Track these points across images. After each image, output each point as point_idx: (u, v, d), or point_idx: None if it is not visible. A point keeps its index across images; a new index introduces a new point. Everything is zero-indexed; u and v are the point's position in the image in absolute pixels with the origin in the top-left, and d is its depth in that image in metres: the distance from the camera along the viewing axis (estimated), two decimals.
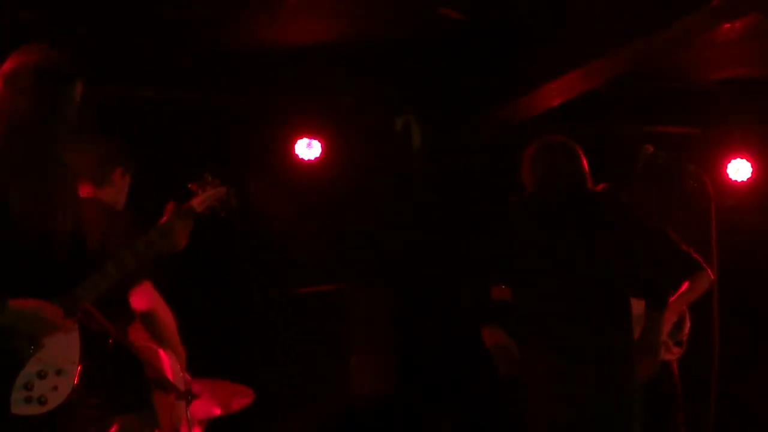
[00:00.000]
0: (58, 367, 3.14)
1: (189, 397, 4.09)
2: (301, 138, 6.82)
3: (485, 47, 6.03)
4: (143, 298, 4.16)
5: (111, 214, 4.17)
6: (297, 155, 6.83)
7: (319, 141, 6.83)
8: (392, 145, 6.93)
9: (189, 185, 3.61)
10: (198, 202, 3.58)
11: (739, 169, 7.36)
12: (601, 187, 4.87)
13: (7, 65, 3.25)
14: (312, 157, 6.84)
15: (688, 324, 5.83)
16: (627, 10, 5.08)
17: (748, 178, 7.37)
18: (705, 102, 6.99)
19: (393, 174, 6.93)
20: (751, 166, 7.37)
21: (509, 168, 5.92)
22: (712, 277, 5.56)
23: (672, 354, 5.77)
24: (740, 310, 6.37)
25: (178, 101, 6.44)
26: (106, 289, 3.33)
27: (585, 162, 4.66)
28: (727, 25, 5.35)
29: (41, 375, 3.09)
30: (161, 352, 4.23)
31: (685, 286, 5.76)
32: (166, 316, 4.31)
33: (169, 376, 4.11)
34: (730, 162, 7.37)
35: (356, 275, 6.74)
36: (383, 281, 6.83)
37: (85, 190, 4.18)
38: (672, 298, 5.72)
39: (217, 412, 4.76)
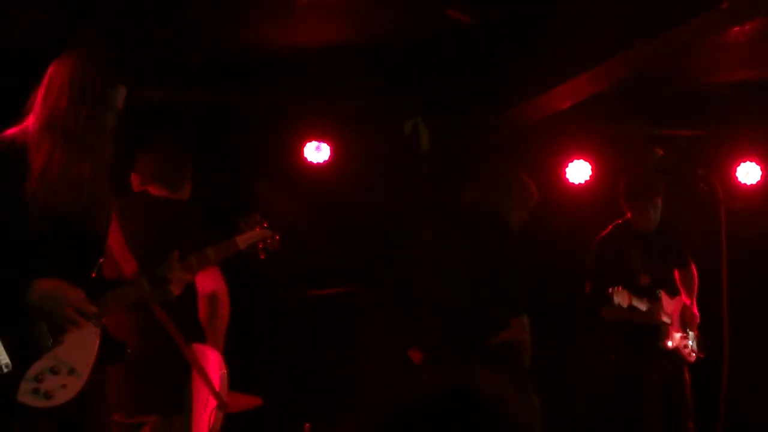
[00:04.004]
0: (71, 366, 3.21)
1: (226, 408, 4.12)
2: (310, 141, 6.82)
3: (494, 50, 6.03)
4: (210, 280, 4.27)
5: (187, 214, 4.38)
6: (306, 158, 6.83)
7: (328, 144, 6.83)
8: (401, 147, 6.93)
9: (237, 220, 3.76)
10: (243, 239, 3.72)
11: (749, 172, 7.35)
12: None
13: (55, 68, 3.32)
14: (321, 160, 6.84)
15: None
16: (636, 12, 5.08)
17: (757, 181, 7.35)
18: (714, 105, 6.98)
19: (401, 177, 6.93)
20: (761, 169, 7.36)
21: (519, 169, 5.94)
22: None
23: (691, 357, 5.83)
24: (750, 313, 6.35)
25: (187, 104, 6.45)
26: (134, 302, 3.47)
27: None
28: (737, 28, 5.34)
29: (54, 370, 3.18)
30: (214, 359, 4.26)
31: (679, 280, 5.90)
32: (225, 306, 4.40)
33: (216, 384, 4.13)
34: (739, 165, 7.35)
35: (365, 278, 6.74)
36: (393, 283, 6.82)
37: (160, 192, 4.40)
38: (688, 297, 5.86)
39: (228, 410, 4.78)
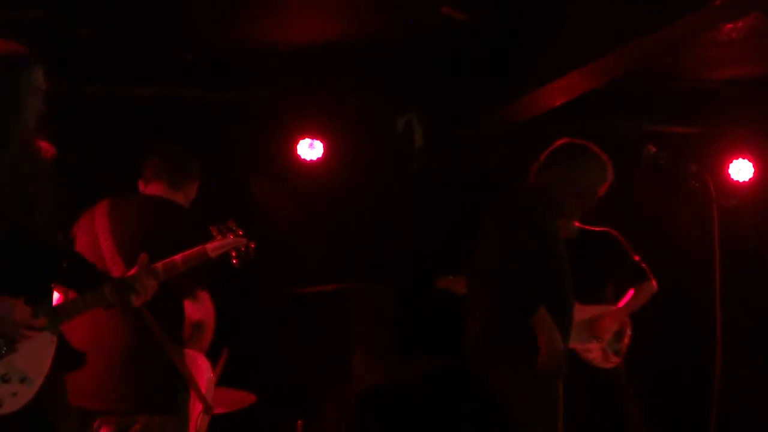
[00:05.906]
0: (23, 374, 3.16)
1: (211, 411, 4.12)
2: (304, 138, 6.82)
3: (487, 47, 6.03)
4: (199, 309, 4.20)
5: (181, 213, 4.25)
6: (299, 155, 6.82)
7: (321, 141, 6.83)
8: (394, 145, 6.93)
9: (210, 227, 3.66)
10: (212, 247, 3.63)
11: (741, 169, 7.36)
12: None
13: None
14: (314, 158, 6.84)
15: (628, 334, 5.74)
16: (629, 9, 5.08)
17: (750, 178, 7.37)
18: (707, 102, 6.99)
19: (395, 174, 6.94)
20: (753, 166, 7.37)
21: (511, 167, 5.94)
22: (656, 289, 5.60)
23: (610, 363, 5.67)
24: (742, 311, 6.36)
25: (180, 101, 6.44)
26: (95, 307, 3.42)
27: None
28: (730, 25, 5.35)
29: (4, 379, 3.12)
30: (202, 363, 4.25)
31: (630, 293, 5.69)
32: (208, 333, 4.37)
33: (202, 388, 4.12)
34: (732, 162, 7.36)
35: (359, 275, 6.74)
36: (386, 281, 6.83)
37: (157, 189, 4.29)
38: (618, 306, 5.68)
39: (220, 410, 4.77)
